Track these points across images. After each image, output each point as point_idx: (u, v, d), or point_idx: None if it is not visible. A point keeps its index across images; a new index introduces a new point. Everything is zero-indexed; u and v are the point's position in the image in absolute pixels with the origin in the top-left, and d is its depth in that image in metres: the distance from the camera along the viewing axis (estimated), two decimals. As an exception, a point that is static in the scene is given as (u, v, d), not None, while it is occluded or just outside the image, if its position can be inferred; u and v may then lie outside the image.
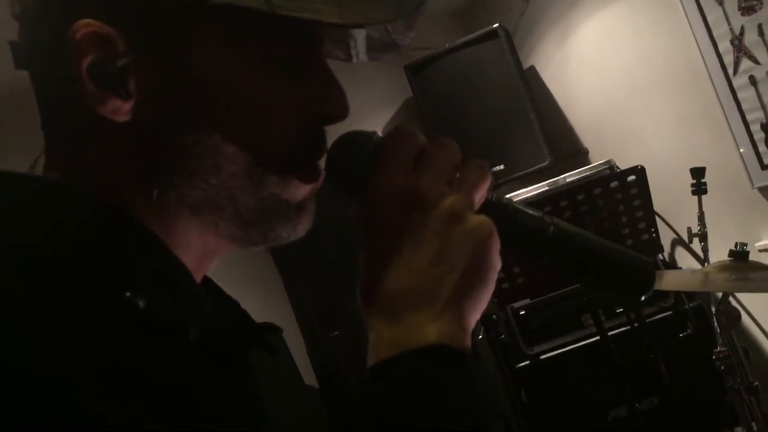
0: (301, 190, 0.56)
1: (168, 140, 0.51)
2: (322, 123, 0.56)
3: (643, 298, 0.57)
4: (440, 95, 3.15)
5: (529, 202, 2.37)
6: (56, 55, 0.50)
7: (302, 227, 0.57)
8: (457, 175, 0.54)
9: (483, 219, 0.52)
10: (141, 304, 0.44)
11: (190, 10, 0.50)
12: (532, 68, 3.40)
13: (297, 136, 0.54)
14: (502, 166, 3.05)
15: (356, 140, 0.56)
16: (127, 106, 0.50)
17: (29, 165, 0.56)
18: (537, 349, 2.67)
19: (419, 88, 3.19)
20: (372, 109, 3.44)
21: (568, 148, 3.27)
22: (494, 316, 2.64)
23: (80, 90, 0.50)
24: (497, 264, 0.53)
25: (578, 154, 3.26)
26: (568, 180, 2.75)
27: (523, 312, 2.69)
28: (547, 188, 2.74)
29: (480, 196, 0.55)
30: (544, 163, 2.98)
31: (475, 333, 2.73)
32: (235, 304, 0.63)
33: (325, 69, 0.56)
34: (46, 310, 0.41)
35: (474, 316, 0.52)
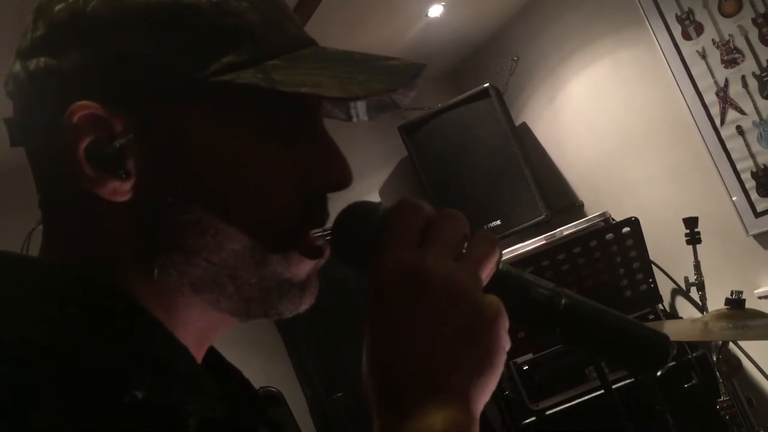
0: (303, 269, 0.54)
1: (168, 219, 0.50)
2: (325, 192, 0.55)
3: (659, 373, 0.54)
4: (435, 154, 3.20)
5: (526, 257, 2.39)
6: (53, 135, 0.50)
7: (305, 305, 0.55)
8: (465, 248, 0.52)
9: (491, 299, 0.50)
10: (139, 394, 0.44)
11: (188, 89, 0.49)
12: (524, 125, 3.47)
13: (299, 211, 0.53)
14: (498, 222, 3.08)
15: (361, 213, 0.54)
16: (126, 186, 0.50)
17: (24, 238, 0.55)
18: (542, 405, 2.64)
19: (414, 148, 3.24)
20: (368, 170, 3.48)
21: (563, 202, 3.31)
22: (497, 372, 2.62)
23: (77, 172, 0.49)
24: (506, 345, 0.51)
25: (573, 207, 3.29)
26: (564, 233, 2.77)
27: (526, 367, 2.67)
28: (544, 242, 2.76)
29: (488, 271, 0.52)
30: (541, 217, 3.01)
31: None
32: (236, 375, 0.62)
33: (326, 138, 0.56)
34: (42, 404, 0.41)
35: (482, 401, 0.49)
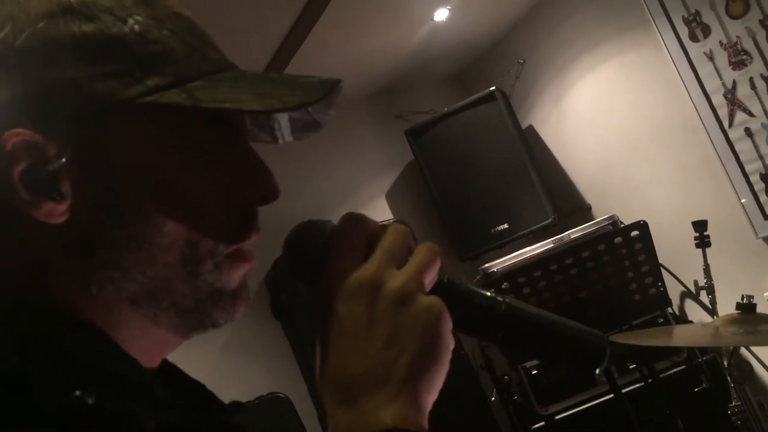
0: (234, 278, 0.57)
1: (103, 236, 0.52)
2: (255, 205, 0.58)
3: (597, 371, 0.57)
4: (441, 158, 3.20)
5: (534, 261, 2.38)
6: None
7: (238, 313, 0.57)
8: (409, 259, 0.55)
9: (432, 299, 0.53)
10: (90, 401, 0.45)
11: (116, 112, 0.52)
12: (531, 127, 3.46)
13: (229, 223, 0.56)
14: (505, 225, 3.08)
15: (310, 231, 0.57)
16: (62, 207, 0.51)
17: None
18: (551, 410, 2.63)
19: (420, 152, 3.24)
20: (375, 175, 3.48)
21: (570, 205, 3.30)
22: (506, 377, 2.61)
23: (14, 197, 0.51)
24: (450, 343, 0.53)
25: (581, 210, 3.28)
26: (572, 236, 2.76)
27: (535, 371, 2.66)
28: (552, 245, 2.75)
29: (430, 277, 0.55)
30: (548, 221, 3.00)
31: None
32: (198, 387, 0.64)
33: (250, 153, 0.58)
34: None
35: (430, 397, 0.52)
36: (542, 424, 2.61)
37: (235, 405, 0.62)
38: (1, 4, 0.54)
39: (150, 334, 0.55)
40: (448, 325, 0.53)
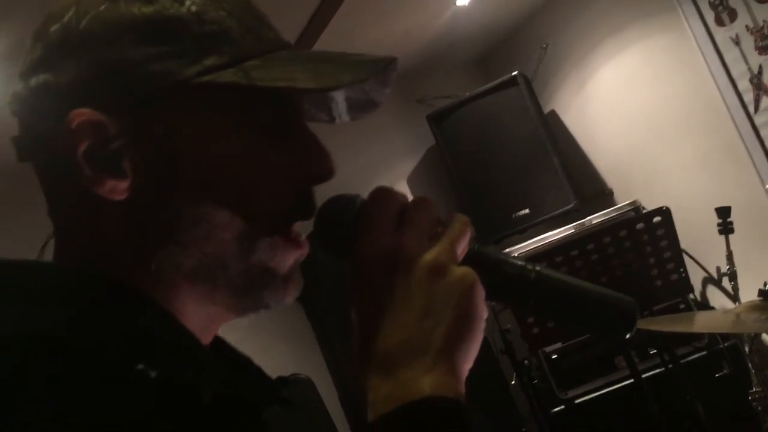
0: (286, 262, 0.58)
1: (163, 213, 0.54)
2: (311, 184, 0.59)
3: (627, 336, 0.58)
4: (463, 143, 3.20)
5: (555, 246, 2.38)
6: (54, 145, 0.54)
7: (289, 297, 0.59)
8: (440, 230, 0.56)
9: (465, 270, 0.54)
10: (152, 374, 0.47)
11: (175, 91, 0.53)
12: (553, 112, 3.45)
13: (286, 201, 0.57)
14: (527, 210, 3.08)
15: (340, 205, 0.58)
16: (123, 185, 0.53)
17: (41, 247, 0.59)
18: (571, 394, 2.64)
19: (442, 137, 3.24)
20: (396, 159, 3.49)
21: (592, 190, 3.29)
22: (526, 361, 2.62)
23: (79, 175, 0.53)
24: (483, 312, 0.54)
25: (603, 195, 3.27)
26: (594, 222, 2.76)
27: (555, 356, 2.67)
28: (573, 230, 2.75)
29: (462, 248, 0.56)
30: (569, 206, 2.99)
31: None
32: (247, 362, 0.65)
33: (307, 133, 0.59)
34: (66, 393, 0.44)
35: (466, 365, 0.53)
36: (562, 407, 2.63)
37: (281, 379, 0.64)
38: None
39: (206, 310, 0.57)
40: (482, 294, 0.54)
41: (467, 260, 0.57)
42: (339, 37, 2.76)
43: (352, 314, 0.55)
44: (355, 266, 0.55)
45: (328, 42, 2.73)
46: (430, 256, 0.54)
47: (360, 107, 0.63)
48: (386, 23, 2.91)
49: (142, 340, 0.51)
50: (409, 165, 3.54)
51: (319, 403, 2.83)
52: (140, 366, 0.47)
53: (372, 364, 0.53)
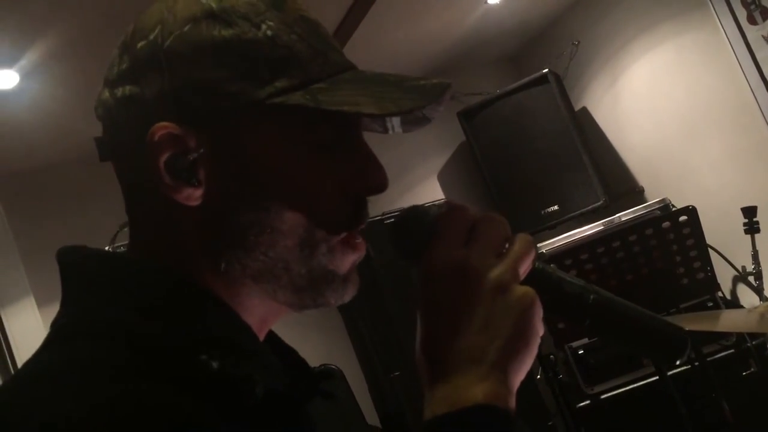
0: (345, 263, 0.63)
1: (232, 220, 0.59)
2: (365, 196, 0.63)
3: (678, 363, 0.60)
4: (493, 139, 3.23)
5: (582, 243, 2.41)
6: (137, 151, 0.59)
7: (348, 295, 0.64)
8: (506, 248, 0.59)
9: (526, 290, 0.57)
10: (214, 365, 0.53)
11: (249, 110, 0.58)
12: (584, 109, 3.45)
13: (343, 211, 0.61)
14: (556, 207, 3.10)
15: (416, 215, 0.62)
16: (198, 192, 0.58)
17: (112, 234, 0.67)
18: (597, 389, 2.66)
19: (472, 133, 3.28)
20: (427, 155, 3.53)
21: (622, 187, 3.29)
22: (552, 357, 2.66)
23: (158, 181, 0.58)
24: (539, 330, 0.57)
25: (633, 193, 3.27)
26: (622, 219, 2.77)
27: (581, 351, 2.70)
28: (602, 228, 2.77)
29: (525, 267, 0.59)
30: (598, 203, 3.01)
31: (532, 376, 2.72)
32: (293, 354, 0.71)
33: (364, 148, 0.63)
34: (140, 375, 0.51)
35: (518, 378, 0.56)
36: (587, 402, 2.65)
37: (323, 371, 0.69)
38: (152, 8, 0.61)
39: (267, 306, 0.63)
40: (539, 313, 0.57)
41: (530, 278, 0.60)
42: (372, 34, 2.81)
43: (418, 318, 0.59)
44: (424, 274, 0.59)
45: (361, 38, 2.78)
46: (494, 273, 0.57)
47: (413, 122, 0.67)
48: (419, 21, 2.95)
49: (207, 334, 0.57)
50: (440, 161, 3.57)
51: (349, 394, 2.89)
52: (203, 357, 0.53)
53: (433, 367, 0.56)
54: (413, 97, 0.59)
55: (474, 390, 0.54)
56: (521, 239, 0.60)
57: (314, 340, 3.05)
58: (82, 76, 2.22)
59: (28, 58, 2.08)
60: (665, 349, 0.61)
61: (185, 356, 0.54)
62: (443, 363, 0.56)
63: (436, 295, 0.58)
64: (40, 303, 2.67)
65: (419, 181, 3.48)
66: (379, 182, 0.63)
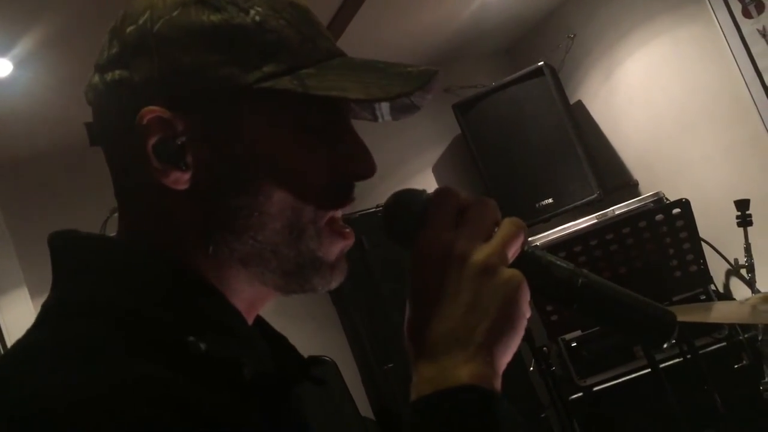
0: (333, 251, 0.63)
1: (221, 203, 0.59)
2: (352, 180, 0.64)
3: (665, 345, 0.61)
4: (488, 132, 3.23)
5: (575, 236, 2.41)
6: (125, 135, 0.59)
7: (334, 282, 0.64)
8: (495, 231, 0.60)
9: (513, 272, 0.57)
10: (202, 346, 0.54)
11: (237, 94, 0.58)
12: (579, 103, 3.46)
13: (329, 192, 0.62)
14: (550, 200, 3.10)
15: (406, 199, 0.63)
16: (186, 176, 0.59)
17: (103, 220, 0.67)
18: (590, 381, 2.68)
19: (467, 126, 3.28)
20: (423, 148, 3.53)
21: (617, 181, 3.30)
22: (545, 348, 2.66)
23: (146, 165, 0.59)
24: (526, 313, 0.58)
25: (628, 186, 3.28)
26: (616, 212, 2.78)
27: (575, 344, 2.71)
28: (595, 221, 2.78)
29: (514, 250, 0.60)
30: (593, 196, 3.01)
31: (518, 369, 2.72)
32: (282, 340, 0.71)
33: (352, 134, 0.64)
34: (129, 354, 0.51)
35: (504, 359, 0.57)
36: (580, 395, 2.67)
37: (313, 358, 0.69)
38: None
39: (255, 290, 0.63)
40: (526, 296, 0.58)
41: (518, 261, 0.60)
42: (367, 26, 2.80)
43: (407, 301, 0.59)
44: (413, 257, 0.59)
45: (357, 30, 2.77)
46: (481, 255, 0.57)
47: (402, 109, 0.67)
48: (414, 13, 2.94)
49: (195, 316, 0.57)
50: (435, 153, 3.57)
51: (342, 385, 2.90)
52: (191, 338, 0.54)
53: (419, 349, 0.57)
54: (400, 83, 0.60)
55: (460, 371, 0.54)
56: (510, 222, 0.60)
57: (308, 331, 3.06)
58: (77, 64, 2.20)
59: (22, 47, 2.07)
60: (653, 331, 0.61)
61: (173, 337, 0.54)
62: (430, 344, 0.56)
63: (424, 277, 0.58)
64: (33, 293, 2.66)
65: (414, 173, 3.48)
66: (366, 167, 0.63)
